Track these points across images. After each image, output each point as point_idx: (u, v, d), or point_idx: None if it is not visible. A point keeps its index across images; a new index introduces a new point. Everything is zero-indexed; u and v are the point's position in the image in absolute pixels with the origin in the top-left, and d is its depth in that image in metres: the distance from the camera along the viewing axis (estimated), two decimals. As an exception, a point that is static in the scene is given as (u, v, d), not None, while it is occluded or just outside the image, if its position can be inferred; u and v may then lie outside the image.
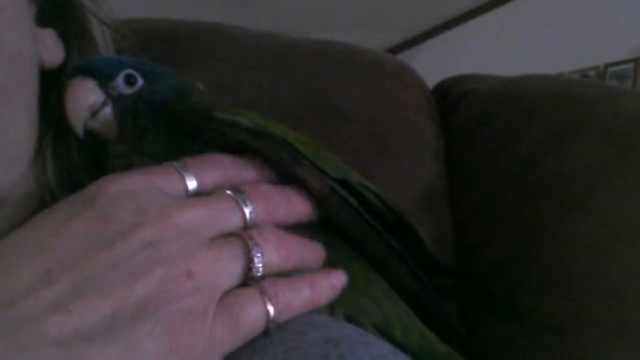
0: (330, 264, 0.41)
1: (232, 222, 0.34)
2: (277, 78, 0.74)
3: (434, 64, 3.27)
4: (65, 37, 0.51)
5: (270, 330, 0.34)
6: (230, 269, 0.32)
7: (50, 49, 0.49)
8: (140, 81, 0.45)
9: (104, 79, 0.44)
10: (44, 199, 0.48)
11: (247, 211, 0.34)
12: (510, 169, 0.71)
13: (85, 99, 0.44)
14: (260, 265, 0.33)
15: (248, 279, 0.33)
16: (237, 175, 0.37)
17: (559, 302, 0.60)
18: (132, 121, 0.44)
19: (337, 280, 0.37)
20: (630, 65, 3.08)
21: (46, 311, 0.28)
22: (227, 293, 0.32)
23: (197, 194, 0.35)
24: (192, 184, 0.35)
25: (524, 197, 0.68)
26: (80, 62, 0.48)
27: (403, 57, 4.12)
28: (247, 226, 0.35)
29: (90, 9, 0.52)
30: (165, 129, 0.44)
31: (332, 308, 0.42)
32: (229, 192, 0.35)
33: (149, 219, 0.31)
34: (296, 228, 0.39)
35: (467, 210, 0.73)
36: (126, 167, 0.43)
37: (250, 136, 0.40)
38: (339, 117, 0.73)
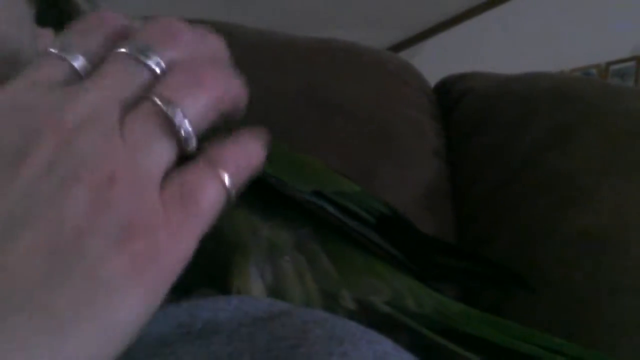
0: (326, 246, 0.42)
1: (136, 83, 0.27)
2: (278, 76, 0.74)
3: (436, 62, 3.27)
4: None
5: (231, 201, 0.28)
6: (154, 149, 0.26)
7: None
8: None
9: None
10: None
11: (151, 63, 0.27)
12: (512, 166, 0.70)
13: None
14: (187, 128, 0.26)
15: (183, 149, 0.27)
16: (130, 27, 0.30)
17: (561, 299, 0.60)
18: None
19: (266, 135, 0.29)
20: (632, 63, 3.07)
21: None
22: (171, 177, 0.26)
23: (90, 69, 0.28)
24: (78, 61, 0.28)
25: (526, 194, 0.68)
26: None
27: (405, 54, 4.12)
28: (157, 82, 0.27)
29: (85, 9, 0.52)
30: None
31: (339, 292, 0.42)
32: (123, 49, 0.27)
33: (39, 132, 0.25)
34: (290, 228, 0.40)
35: (469, 208, 0.73)
36: None
37: None
38: (340, 115, 0.73)
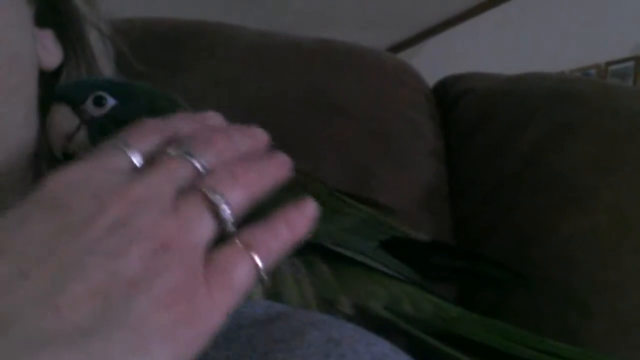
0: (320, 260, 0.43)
1: (184, 178, 0.32)
2: (277, 77, 0.75)
3: (435, 62, 3.27)
4: (63, 39, 0.51)
5: (264, 280, 0.32)
6: (201, 226, 0.31)
7: (49, 50, 0.50)
8: (110, 101, 0.46)
9: (75, 103, 0.46)
10: None
11: (195, 162, 0.33)
12: (511, 167, 0.71)
13: (60, 125, 0.46)
14: (227, 212, 0.31)
15: (223, 230, 0.32)
16: (176, 132, 0.35)
17: (560, 299, 0.60)
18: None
19: (309, 210, 0.35)
20: (631, 63, 3.07)
21: (30, 311, 0.26)
22: (211, 254, 0.31)
23: (144, 164, 0.34)
24: (135, 157, 0.33)
25: (524, 195, 0.68)
26: (56, 89, 0.49)
27: (405, 55, 4.12)
28: (201, 177, 0.33)
29: (85, 12, 0.52)
30: None
31: (337, 298, 0.43)
32: (171, 150, 0.33)
33: (108, 201, 0.29)
34: None
35: (467, 208, 0.73)
36: None
37: None
38: (339, 116, 0.74)
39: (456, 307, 0.47)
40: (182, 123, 0.36)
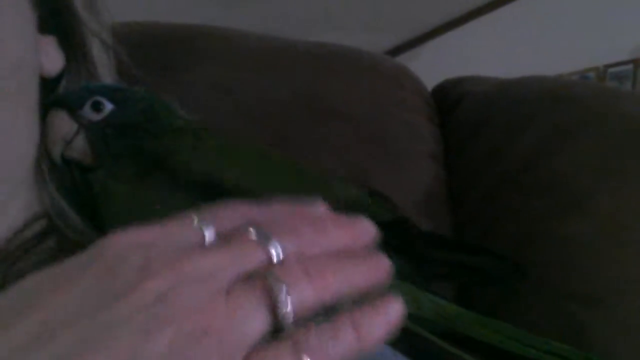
0: None
1: (252, 262, 0.29)
2: (274, 80, 0.74)
3: (434, 65, 3.27)
4: (65, 46, 0.51)
5: None
6: (253, 318, 0.27)
7: (51, 56, 0.49)
8: (108, 106, 0.46)
9: (73, 108, 0.46)
10: (44, 212, 0.48)
11: (272, 250, 0.29)
12: (509, 170, 0.71)
13: (58, 130, 0.46)
14: (287, 309, 0.28)
15: (279, 327, 0.28)
16: (259, 216, 0.32)
17: (559, 303, 0.60)
18: (105, 146, 0.46)
19: (392, 311, 0.30)
20: (630, 66, 3.07)
21: None
22: (257, 350, 0.27)
23: (216, 241, 0.31)
24: (209, 232, 0.30)
25: (523, 198, 0.68)
26: (54, 95, 0.49)
27: (403, 58, 4.12)
28: (272, 265, 0.30)
29: (87, 21, 0.52)
30: (133, 153, 0.46)
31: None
32: (248, 231, 0.30)
33: (157, 271, 0.27)
34: None
35: (466, 212, 0.73)
36: (102, 193, 0.46)
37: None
38: (337, 120, 0.73)
39: (454, 305, 0.47)
40: (276, 210, 0.33)
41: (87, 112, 0.46)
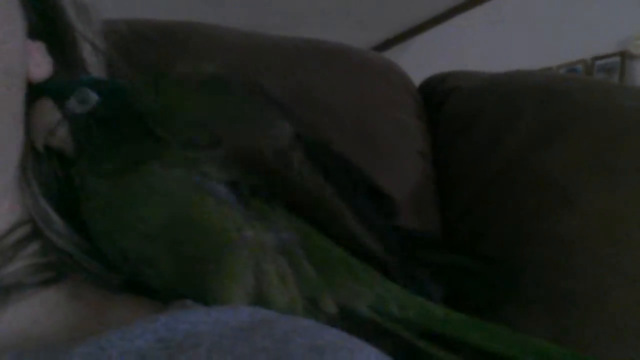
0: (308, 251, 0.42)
1: None
2: (262, 78, 0.74)
3: (422, 60, 3.27)
4: (54, 52, 0.50)
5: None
6: None
7: (39, 62, 0.49)
8: (94, 98, 0.46)
9: (59, 98, 0.46)
10: (29, 217, 0.47)
11: None
12: (499, 167, 0.70)
13: (42, 118, 0.46)
14: None
15: None
16: None
17: (551, 303, 0.60)
18: (87, 138, 0.47)
19: None
20: (617, 59, 3.09)
21: None
22: None
23: None
24: None
25: (513, 195, 0.67)
26: (41, 84, 0.49)
27: (391, 52, 4.13)
28: None
29: (78, 27, 0.51)
30: (114, 147, 0.46)
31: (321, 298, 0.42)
32: None
33: None
34: (272, 230, 0.40)
35: (455, 210, 0.72)
36: (81, 187, 0.46)
37: None
38: (325, 117, 0.73)
39: (442, 307, 0.46)
40: None
41: (73, 103, 0.46)
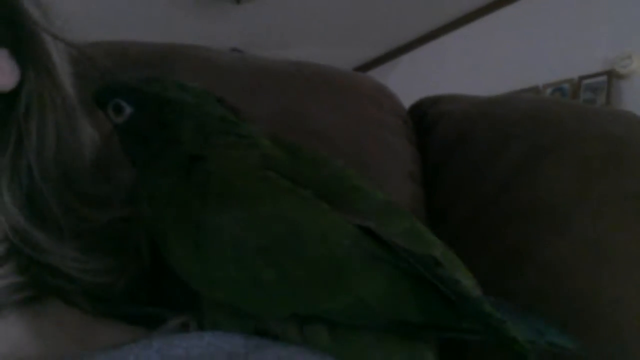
0: None
1: None
2: (252, 101, 0.73)
3: (410, 78, 3.29)
4: (20, 57, 0.48)
5: None
6: None
7: (4, 70, 0.47)
8: (127, 110, 0.45)
9: (101, 108, 0.47)
10: (4, 237, 0.46)
11: None
12: (490, 191, 0.70)
13: None
14: None
15: None
16: None
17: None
18: (125, 151, 0.47)
19: None
20: (604, 78, 3.11)
21: None
22: None
23: None
24: None
25: (503, 220, 0.67)
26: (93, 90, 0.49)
27: (379, 71, 4.14)
28: None
29: (44, 26, 0.50)
30: (142, 164, 0.45)
31: None
32: None
33: None
34: None
35: (445, 234, 0.71)
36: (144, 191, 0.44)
37: None
38: (315, 140, 0.72)
39: None
40: None
41: (110, 114, 0.46)
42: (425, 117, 0.83)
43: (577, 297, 0.60)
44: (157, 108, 0.46)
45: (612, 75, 3.07)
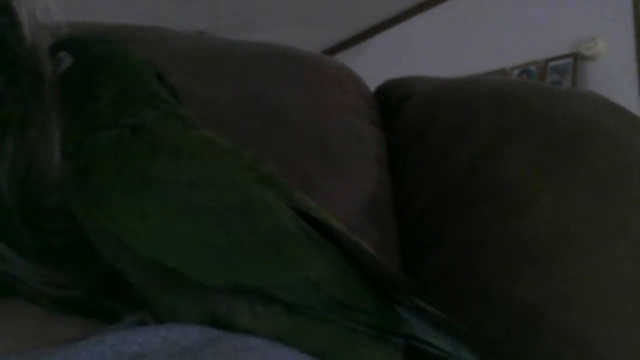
0: None
1: None
2: (212, 84, 0.71)
3: (376, 61, 3.28)
4: (4, 62, 0.45)
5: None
6: None
7: None
8: (67, 62, 0.45)
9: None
10: None
11: None
12: (455, 174, 0.69)
13: None
14: None
15: None
16: None
17: (506, 312, 0.59)
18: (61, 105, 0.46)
19: None
20: (570, 60, 3.14)
21: None
22: None
23: None
24: None
25: (468, 204, 0.67)
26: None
27: (346, 54, 4.13)
28: None
29: (31, 28, 0.47)
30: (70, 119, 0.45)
31: None
32: None
33: None
34: None
35: (411, 219, 0.71)
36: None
37: None
38: (278, 124, 0.71)
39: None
40: None
41: (55, 64, 0.46)
42: (390, 100, 0.82)
43: (540, 277, 0.59)
44: (87, 65, 0.45)
45: (577, 58, 3.11)
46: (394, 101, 0.81)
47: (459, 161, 0.70)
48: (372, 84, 0.86)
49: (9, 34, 0.46)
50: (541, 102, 0.71)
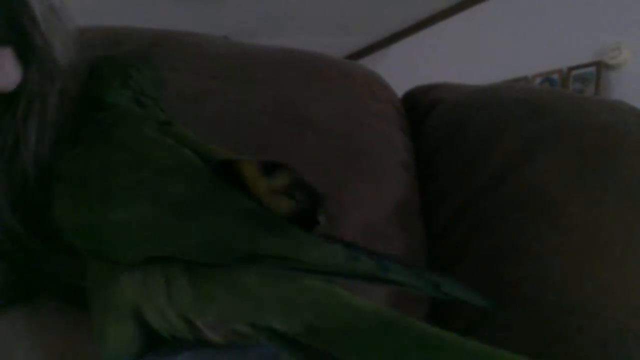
0: None
1: None
2: (244, 89, 0.72)
3: (402, 67, 3.28)
4: (24, 55, 0.47)
5: None
6: None
7: (7, 70, 0.45)
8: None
9: None
10: None
11: None
12: (482, 181, 0.70)
13: None
14: None
15: None
16: None
17: (535, 317, 0.59)
18: None
19: None
20: (593, 69, 3.11)
21: None
22: None
23: None
24: None
25: (496, 211, 0.67)
26: None
27: (371, 59, 4.13)
28: None
29: (48, 25, 0.48)
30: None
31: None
32: None
33: None
34: None
35: (439, 224, 0.72)
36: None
37: None
38: (308, 129, 0.72)
39: (384, 311, 0.34)
40: None
41: None
42: (418, 106, 0.83)
43: (572, 286, 0.60)
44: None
45: (601, 66, 3.07)
46: (422, 108, 0.82)
47: (488, 169, 0.70)
48: (396, 90, 0.87)
49: (23, 15, 0.47)
50: (571, 112, 0.71)
